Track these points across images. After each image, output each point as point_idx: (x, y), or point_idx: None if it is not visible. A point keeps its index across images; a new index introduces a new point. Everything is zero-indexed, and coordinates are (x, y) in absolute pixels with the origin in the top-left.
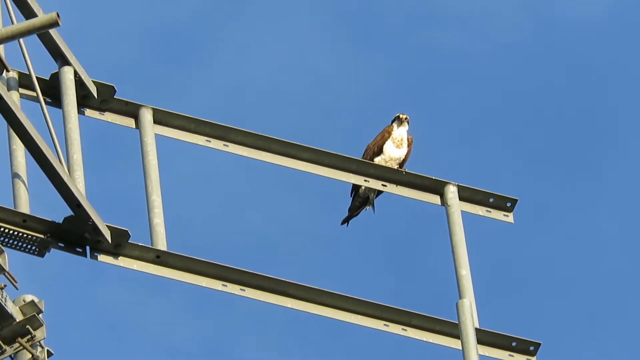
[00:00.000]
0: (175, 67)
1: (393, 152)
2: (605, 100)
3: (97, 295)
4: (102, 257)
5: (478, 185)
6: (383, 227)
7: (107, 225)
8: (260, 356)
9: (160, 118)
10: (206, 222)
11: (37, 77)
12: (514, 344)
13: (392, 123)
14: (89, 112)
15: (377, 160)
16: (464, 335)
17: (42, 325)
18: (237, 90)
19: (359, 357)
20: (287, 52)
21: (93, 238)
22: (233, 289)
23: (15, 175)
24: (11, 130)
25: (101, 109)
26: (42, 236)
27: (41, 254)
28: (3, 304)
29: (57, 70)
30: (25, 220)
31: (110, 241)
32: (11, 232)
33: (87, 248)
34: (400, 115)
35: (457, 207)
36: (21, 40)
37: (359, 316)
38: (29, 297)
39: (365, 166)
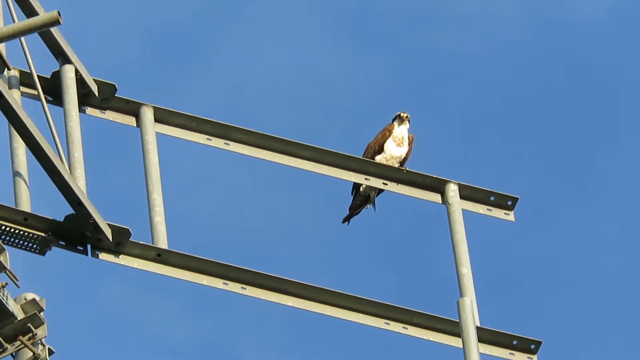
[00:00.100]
0: (176, 65)
1: (394, 150)
2: (606, 100)
3: (98, 293)
4: (103, 256)
5: (479, 184)
6: (384, 225)
7: (108, 224)
8: (260, 356)
9: (161, 116)
10: (207, 220)
11: (38, 76)
12: (514, 342)
13: (392, 121)
14: (90, 111)
15: (378, 158)
16: (465, 333)
17: (43, 323)
18: (237, 89)
19: (359, 355)
20: (287, 52)
21: (94, 236)
22: (234, 287)
23: (16, 174)
24: (12, 129)
25: (102, 108)
26: (43, 234)
27: (42, 252)
28: (4, 302)
29: (58, 69)
30: (27, 219)
31: (111, 239)
32: (12, 230)
33: (88, 246)
34: (401, 114)
35: (457, 205)
36: (22, 38)
37: (360, 314)
38: (30, 296)
39: (366, 165)
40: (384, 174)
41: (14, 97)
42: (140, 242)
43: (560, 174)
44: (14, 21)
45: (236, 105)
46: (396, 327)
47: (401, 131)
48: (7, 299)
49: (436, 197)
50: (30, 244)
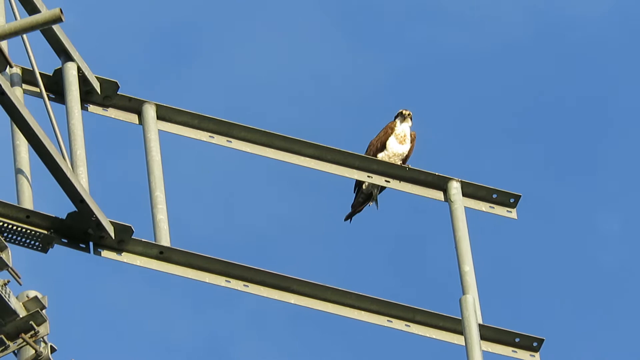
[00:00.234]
0: (179, 63)
1: (396, 148)
2: (607, 99)
3: (100, 291)
4: (105, 253)
5: (481, 182)
6: (386, 223)
7: (110, 221)
8: (261, 353)
9: (164, 114)
10: (209, 218)
11: (40, 73)
12: (517, 339)
13: (395, 119)
14: (92, 108)
15: (380, 156)
16: (468, 331)
17: (45, 321)
18: (239, 87)
19: (362, 353)
20: (289, 49)
21: (96, 234)
22: (236, 284)
23: (18, 171)
24: (14, 126)
25: (104, 105)
26: (45, 232)
27: (44, 250)
28: (6, 300)
29: (60, 66)
30: (29, 216)
31: (113, 237)
32: (14, 228)
33: (91, 244)
34: (403, 112)
35: (460, 203)
36: (24, 36)
37: (363, 312)
38: (32, 293)
39: (369, 162)
40: (386, 171)
41: (16, 94)
42: (143, 240)
43: (563, 172)
44: (16, 18)
45: (238, 102)
46: (399, 324)
47: (403, 129)
48: (9, 297)
49: (439, 195)
50: (32, 242)
